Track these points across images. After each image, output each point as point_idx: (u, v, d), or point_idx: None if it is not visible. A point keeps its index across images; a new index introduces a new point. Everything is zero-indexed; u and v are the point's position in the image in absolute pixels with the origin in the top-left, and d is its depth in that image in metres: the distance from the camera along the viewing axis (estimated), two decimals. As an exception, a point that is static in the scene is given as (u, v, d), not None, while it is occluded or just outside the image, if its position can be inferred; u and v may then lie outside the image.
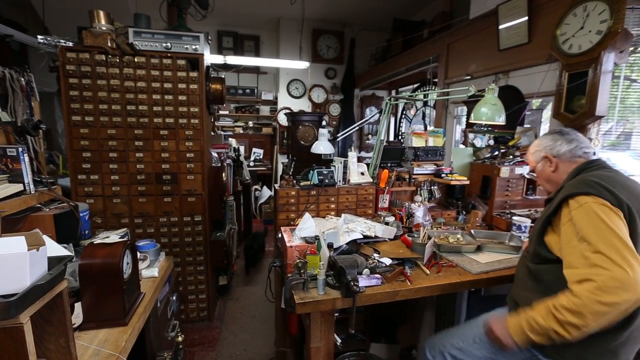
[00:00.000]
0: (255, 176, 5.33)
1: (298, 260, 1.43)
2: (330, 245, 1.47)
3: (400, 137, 5.90)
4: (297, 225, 1.77)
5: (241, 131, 6.20)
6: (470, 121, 2.30)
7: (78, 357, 1.03)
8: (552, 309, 1.04)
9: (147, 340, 1.56)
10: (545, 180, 1.42)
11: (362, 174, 2.33)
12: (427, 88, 4.58)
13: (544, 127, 2.78)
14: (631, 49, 2.13)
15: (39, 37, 2.10)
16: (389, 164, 2.50)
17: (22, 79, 1.87)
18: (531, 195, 2.31)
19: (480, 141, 3.25)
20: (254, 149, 6.17)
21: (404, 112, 5.87)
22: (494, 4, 2.85)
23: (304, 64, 4.70)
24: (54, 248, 1.26)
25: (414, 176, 2.39)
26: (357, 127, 3.62)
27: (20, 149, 1.44)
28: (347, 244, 1.64)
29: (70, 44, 2.14)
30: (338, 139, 3.37)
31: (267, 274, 1.97)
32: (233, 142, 3.95)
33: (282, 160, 5.96)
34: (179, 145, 2.40)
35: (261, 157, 6.19)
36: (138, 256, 1.54)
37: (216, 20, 5.61)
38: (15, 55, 3.72)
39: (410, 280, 1.44)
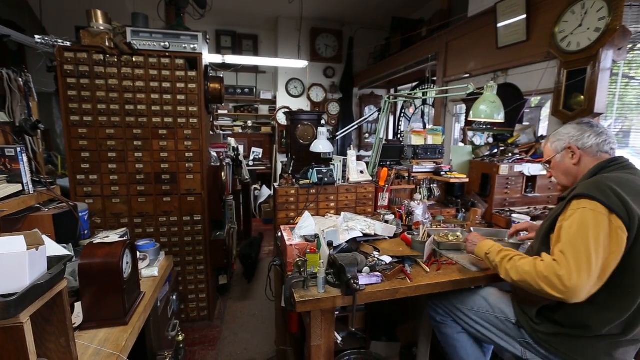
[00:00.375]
0: (254, 175, 5.31)
1: (298, 259, 1.43)
2: (330, 244, 1.47)
3: (399, 136, 5.90)
4: (296, 224, 1.77)
5: (240, 130, 6.19)
6: (469, 119, 2.31)
7: (79, 357, 1.03)
8: (507, 257, 1.22)
9: (148, 339, 1.56)
10: (562, 173, 1.33)
11: (362, 172, 2.33)
12: (426, 86, 4.58)
13: (543, 125, 2.79)
14: (629, 46, 2.13)
15: (37, 37, 2.09)
16: (388, 163, 2.50)
17: (20, 79, 1.86)
18: (530, 193, 2.31)
19: (479, 139, 3.25)
20: (253, 148, 6.17)
21: (403, 111, 5.87)
22: (492, 2, 2.85)
23: (302, 63, 4.70)
24: (53, 248, 1.26)
25: (413, 174, 2.40)
26: (356, 126, 3.62)
27: (18, 149, 1.44)
28: (347, 242, 1.65)
29: (68, 43, 2.13)
30: (337, 138, 3.37)
31: (267, 273, 1.97)
32: (232, 141, 3.94)
33: (281, 159, 5.96)
34: (178, 145, 2.39)
35: (260, 156, 6.19)
36: (138, 256, 1.54)
37: (214, 19, 5.61)
38: (13, 55, 3.72)
39: (410, 278, 1.44)
